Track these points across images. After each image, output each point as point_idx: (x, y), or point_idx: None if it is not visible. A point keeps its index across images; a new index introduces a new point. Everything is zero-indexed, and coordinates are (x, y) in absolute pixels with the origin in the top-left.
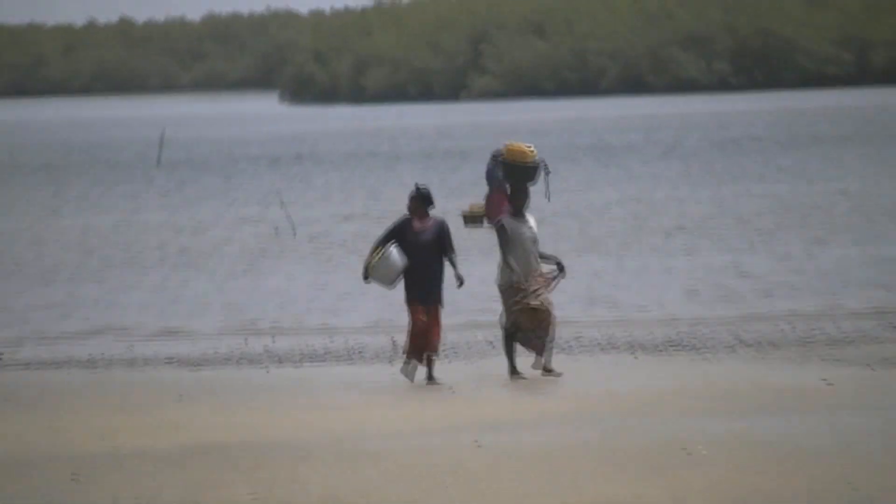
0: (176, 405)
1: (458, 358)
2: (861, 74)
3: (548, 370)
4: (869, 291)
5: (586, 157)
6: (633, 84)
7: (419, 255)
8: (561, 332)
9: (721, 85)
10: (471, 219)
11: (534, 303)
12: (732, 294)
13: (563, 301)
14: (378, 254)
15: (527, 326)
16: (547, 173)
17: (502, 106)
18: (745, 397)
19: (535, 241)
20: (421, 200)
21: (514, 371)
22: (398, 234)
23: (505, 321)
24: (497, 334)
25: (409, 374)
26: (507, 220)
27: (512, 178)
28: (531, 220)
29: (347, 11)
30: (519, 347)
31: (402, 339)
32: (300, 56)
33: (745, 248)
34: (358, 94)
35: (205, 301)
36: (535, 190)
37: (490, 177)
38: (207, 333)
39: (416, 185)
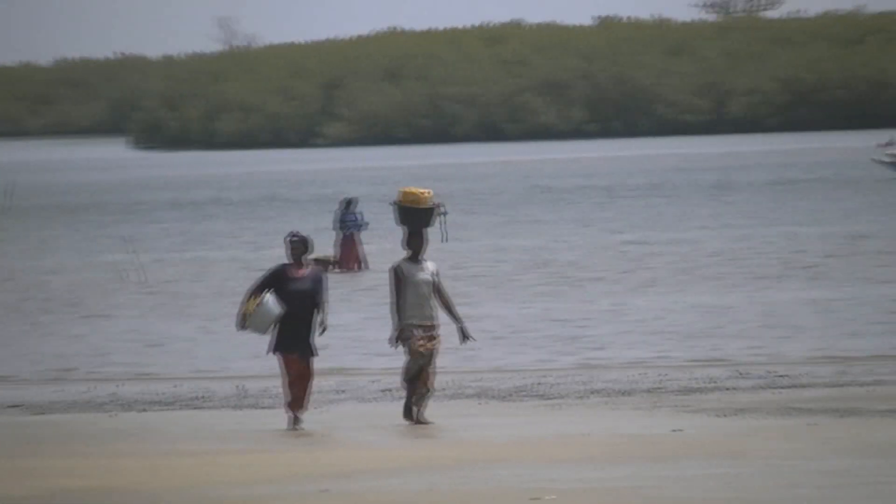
0: (23, 451)
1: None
2: (719, 122)
3: (421, 421)
4: (715, 341)
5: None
6: (489, 131)
7: (296, 303)
8: None
9: (577, 132)
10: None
11: (420, 348)
12: (579, 343)
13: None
14: (255, 301)
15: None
16: (443, 214)
17: (355, 152)
18: (594, 445)
19: (430, 286)
20: (303, 247)
21: (408, 413)
22: (275, 281)
23: (408, 362)
24: (342, 381)
25: (290, 425)
26: (401, 264)
27: (407, 223)
28: (429, 266)
29: (199, 57)
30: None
31: (252, 385)
32: (151, 101)
33: (585, 299)
34: (209, 140)
35: (53, 346)
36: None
37: (340, 223)
38: (53, 379)
39: (294, 232)
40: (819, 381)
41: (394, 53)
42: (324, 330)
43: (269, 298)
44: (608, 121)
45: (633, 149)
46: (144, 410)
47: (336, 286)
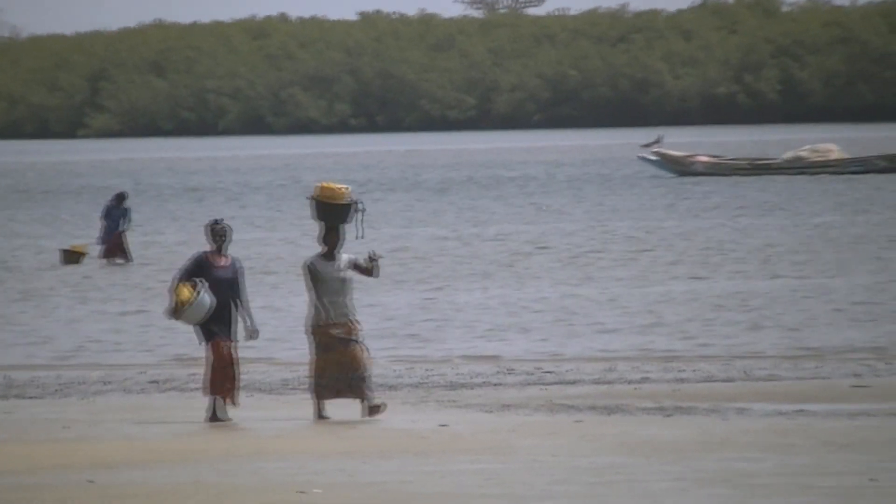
0: None
1: (72, 394)
2: (484, 119)
3: (375, 407)
4: (484, 338)
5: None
6: (254, 124)
7: (220, 291)
8: (174, 372)
9: (342, 126)
10: (70, 256)
11: (337, 332)
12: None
13: (172, 339)
14: (187, 291)
15: (334, 371)
16: (360, 211)
17: (120, 144)
18: (361, 439)
19: (345, 282)
20: (225, 235)
21: (320, 415)
22: (198, 269)
23: (312, 370)
24: (108, 373)
25: (222, 413)
26: (314, 261)
27: (324, 218)
28: (344, 261)
29: None
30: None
31: (18, 376)
32: None
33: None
34: None
35: None
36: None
37: (108, 215)
38: None
39: (217, 220)
40: (586, 377)
41: (159, 46)
42: (256, 336)
43: (205, 294)
44: (372, 115)
45: (395, 144)
46: None
47: (103, 278)
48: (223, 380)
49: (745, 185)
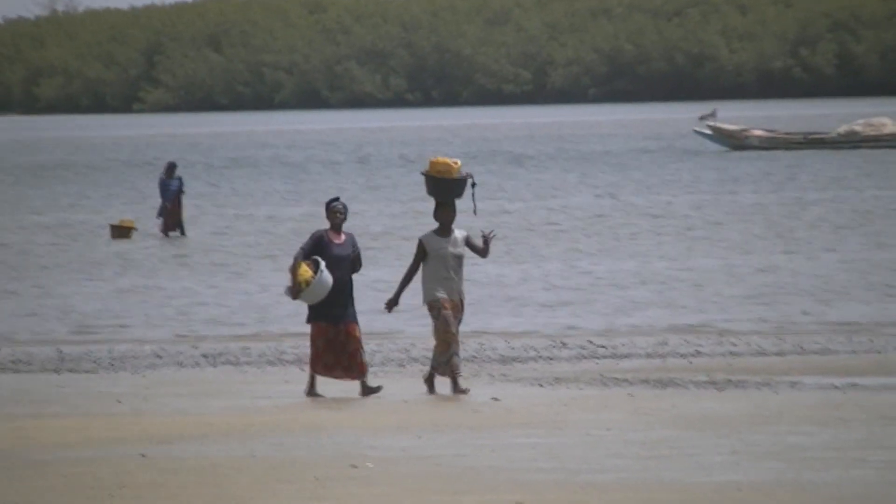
0: None
1: (125, 369)
2: (539, 92)
3: (462, 390)
4: (537, 312)
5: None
6: (309, 99)
7: (338, 269)
8: (228, 346)
9: (397, 101)
10: (119, 231)
11: (447, 315)
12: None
13: (225, 314)
14: (307, 271)
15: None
16: (473, 186)
17: (176, 118)
18: (415, 414)
19: (459, 258)
20: (342, 213)
21: (431, 387)
22: (318, 248)
23: (437, 338)
24: (161, 347)
25: (311, 391)
26: (427, 236)
27: (436, 193)
28: (458, 236)
29: (20, 21)
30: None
31: (70, 350)
32: None
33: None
34: (30, 105)
35: None
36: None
37: (163, 189)
38: None
39: (334, 198)
40: (638, 351)
41: (215, 20)
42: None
43: (326, 272)
44: (428, 90)
45: (453, 118)
46: None
47: (160, 252)
48: (326, 358)
49: (800, 158)
